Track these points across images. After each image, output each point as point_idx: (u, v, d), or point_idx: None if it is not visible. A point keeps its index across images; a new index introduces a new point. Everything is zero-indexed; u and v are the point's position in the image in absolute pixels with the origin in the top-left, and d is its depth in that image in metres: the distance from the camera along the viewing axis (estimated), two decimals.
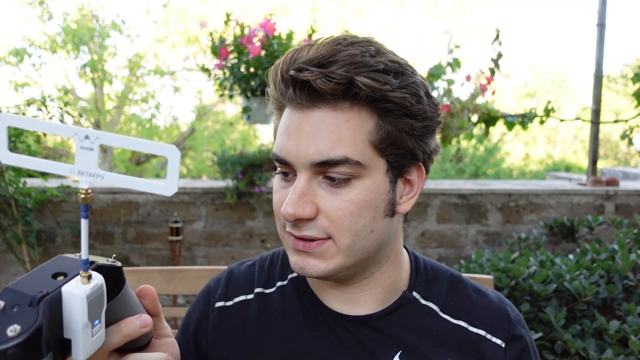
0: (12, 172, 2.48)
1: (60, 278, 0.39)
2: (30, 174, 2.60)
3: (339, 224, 0.58)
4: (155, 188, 0.37)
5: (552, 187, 2.91)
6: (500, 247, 2.75)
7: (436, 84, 2.94)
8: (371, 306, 0.68)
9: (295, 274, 0.74)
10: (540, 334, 1.41)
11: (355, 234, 0.59)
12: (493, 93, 3.00)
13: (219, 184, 2.79)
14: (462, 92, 2.97)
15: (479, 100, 2.97)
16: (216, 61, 2.60)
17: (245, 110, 2.64)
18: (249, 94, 2.59)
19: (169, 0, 10.26)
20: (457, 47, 2.99)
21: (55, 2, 12.70)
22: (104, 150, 9.14)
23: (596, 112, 3.20)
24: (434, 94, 3.35)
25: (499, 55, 3.05)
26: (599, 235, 2.48)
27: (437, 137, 0.67)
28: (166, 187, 0.36)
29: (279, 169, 0.63)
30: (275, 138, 0.66)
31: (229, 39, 2.55)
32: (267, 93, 0.66)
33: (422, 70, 3.06)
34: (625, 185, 3.09)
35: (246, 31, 2.52)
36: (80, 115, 8.34)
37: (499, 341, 0.67)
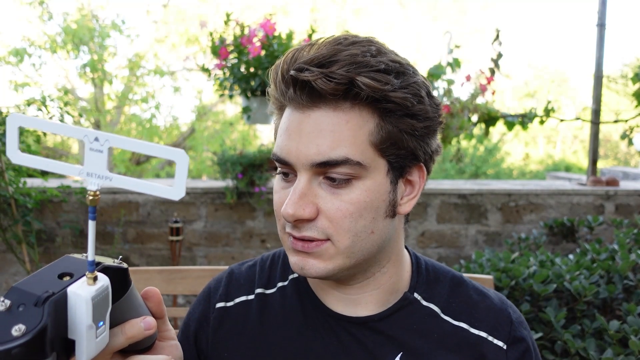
0: (12, 172, 2.48)
1: (67, 278, 0.39)
2: (31, 174, 2.60)
3: (339, 224, 0.58)
4: (163, 192, 0.37)
5: (552, 187, 2.91)
6: (500, 247, 2.75)
7: (436, 84, 2.94)
8: (372, 307, 0.68)
9: (296, 275, 0.74)
10: (540, 334, 1.41)
11: (355, 235, 0.59)
12: (493, 93, 3.00)
13: (219, 184, 2.79)
14: (462, 92, 2.97)
15: (479, 100, 2.97)
16: (216, 61, 2.60)
17: (245, 110, 2.64)
18: (249, 94, 2.59)
19: (169, 0, 10.26)
20: (457, 47, 2.99)
21: (55, 2, 12.70)
22: None
23: (596, 112, 3.20)
24: (434, 94, 3.34)
25: (499, 55, 3.05)
26: (599, 235, 2.48)
27: (438, 137, 0.67)
28: (174, 191, 0.36)
29: (279, 169, 0.63)
30: (275, 138, 0.65)
31: (229, 39, 2.55)
32: (267, 93, 0.65)
33: (422, 70, 3.05)
34: (625, 185, 3.09)
35: (246, 31, 2.52)
36: (80, 115, 8.34)
37: (500, 343, 0.67)
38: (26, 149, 2.50)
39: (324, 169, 0.57)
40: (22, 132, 2.45)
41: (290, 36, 2.56)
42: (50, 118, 2.60)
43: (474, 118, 3.00)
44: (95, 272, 0.39)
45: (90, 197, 0.37)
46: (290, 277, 0.74)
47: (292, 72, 0.57)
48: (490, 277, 1.06)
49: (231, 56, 2.55)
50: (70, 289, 0.38)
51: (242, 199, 2.71)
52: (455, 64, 2.96)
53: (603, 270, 1.65)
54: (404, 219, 0.69)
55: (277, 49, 2.47)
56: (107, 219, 2.72)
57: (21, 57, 7.47)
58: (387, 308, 0.68)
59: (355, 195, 0.58)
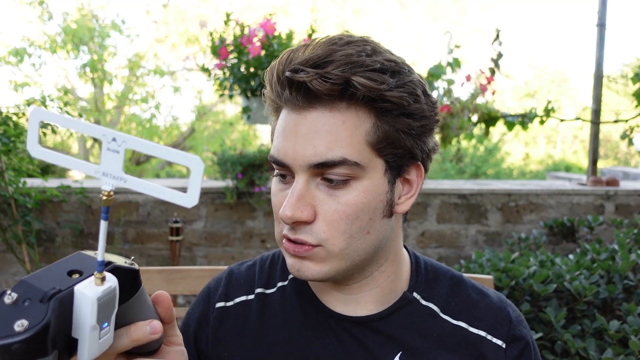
0: (12, 172, 2.48)
1: (76, 276, 0.39)
2: (30, 174, 2.60)
3: (334, 227, 0.58)
4: (176, 198, 0.36)
5: (552, 187, 2.91)
6: (500, 247, 2.75)
7: (436, 84, 2.94)
8: (371, 307, 0.68)
9: None
10: (540, 334, 1.41)
11: (350, 237, 0.59)
12: (493, 93, 3.00)
13: (219, 184, 2.79)
14: (462, 92, 2.97)
15: (479, 100, 2.97)
16: (216, 61, 2.60)
17: (245, 110, 2.64)
18: (249, 94, 2.59)
19: (169, 0, 10.26)
20: (457, 47, 3.00)
21: (55, 2, 12.70)
22: None
23: (596, 112, 3.20)
24: (434, 94, 3.35)
25: (499, 55, 3.05)
26: (599, 235, 2.48)
27: (437, 136, 0.67)
28: (187, 198, 0.36)
29: (276, 171, 0.62)
30: (272, 140, 0.65)
31: (229, 39, 2.55)
32: (263, 94, 0.65)
33: (422, 70, 3.06)
34: (626, 185, 3.09)
35: (246, 31, 2.52)
36: (80, 115, 8.33)
37: (499, 342, 0.67)
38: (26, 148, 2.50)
39: (321, 170, 0.57)
40: (21, 132, 2.45)
41: (290, 36, 2.56)
42: None
43: (474, 118, 3.00)
44: (104, 272, 0.39)
45: (104, 197, 0.37)
46: (290, 276, 0.74)
47: (287, 74, 0.56)
48: (490, 277, 1.06)
49: (231, 56, 2.55)
50: (77, 288, 0.37)
51: (242, 199, 2.70)
52: (455, 64, 2.96)
53: (603, 270, 1.65)
54: (402, 218, 0.69)
55: (277, 49, 2.47)
56: None
57: (21, 57, 7.47)
58: (387, 307, 0.68)
59: (352, 196, 0.58)
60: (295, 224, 0.58)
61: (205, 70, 2.69)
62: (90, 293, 0.37)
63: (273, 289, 0.74)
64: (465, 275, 0.77)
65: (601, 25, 3.19)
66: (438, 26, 13.20)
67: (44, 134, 2.55)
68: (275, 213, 0.63)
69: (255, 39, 2.50)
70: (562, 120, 3.28)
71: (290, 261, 0.61)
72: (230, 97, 2.68)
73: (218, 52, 2.54)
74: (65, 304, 0.37)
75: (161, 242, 2.74)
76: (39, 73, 8.69)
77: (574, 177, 4.18)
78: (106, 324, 0.39)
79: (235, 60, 2.54)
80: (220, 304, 0.74)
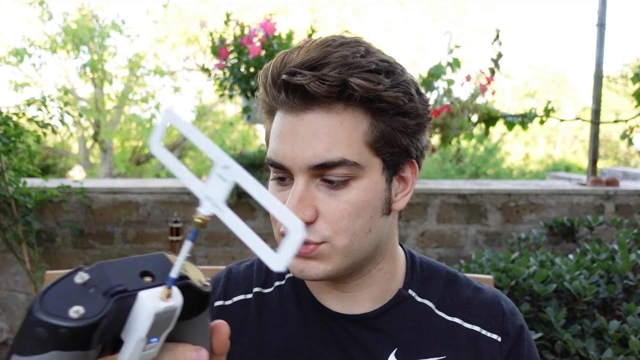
0: (12, 172, 2.48)
1: (147, 279, 0.38)
2: (31, 173, 2.61)
3: (337, 225, 0.58)
4: (266, 255, 0.34)
5: (552, 187, 2.91)
6: (500, 247, 2.75)
7: (436, 84, 2.94)
8: (368, 305, 0.68)
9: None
10: (540, 334, 1.41)
11: (353, 235, 0.59)
12: (493, 93, 3.00)
13: None
14: (462, 92, 2.98)
15: (479, 100, 2.97)
16: (216, 61, 2.60)
17: (245, 110, 2.64)
18: (249, 94, 2.59)
19: (169, 0, 10.26)
20: (457, 47, 3.00)
21: (55, 2, 12.70)
22: (104, 150, 9.14)
23: (596, 112, 3.21)
24: (434, 94, 3.34)
25: (499, 55, 3.06)
26: (599, 235, 2.48)
27: (437, 136, 0.68)
28: (277, 259, 0.33)
29: (274, 174, 0.63)
30: (267, 143, 0.66)
31: (229, 39, 2.55)
32: (256, 97, 0.66)
33: (422, 70, 3.06)
34: (625, 185, 3.09)
35: (246, 31, 2.52)
36: (81, 115, 8.34)
37: (494, 336, 0.68)
38: (26, 148, 2.50)
39: (321, 171, 0.58)
40: (21, 132, 2.45)
41: (290, 36, 2.56)
42: (51, 118, 2.60)
43: (474, 118, 3.00)
44: (173, 289, 0.37)
45: (199, 221, 0.35)
46: (287, 276, 0.74)
47: (284, 77, 0.57)
48: (490, 277, 1.07)
49: (231, 56, 2.56)
50: (141, 295, 0.36)
51: (242, 199, 2.71)
52: (455, 64, 2.96)
53: (603, 270, 1.65)
54: (397, 216, 0.70)
55: (277, 49, 2.47)
56: (107, 219, 2.72)
57: (21, 57, 7.47)
58: (382, 305, 0.68)
59: (352, 195, 0.58)
60: None
61: (205, 70, 2.69)
62: (151, 305, 0.35)
63: (270, 289, 0.74)
64: (465, 274, 0.77)
65: (601, 25, 3.19)
66: (438, 26, 13.20)
67: (44, 134, 2.55)
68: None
69: (255, 39, 2.50)
70: (562, 120, 3.28)
71: (292, 263, 0.61)
72: (230, 97, 2.68)
73: (218, 52, 2.54)
74: (125, 305, 0.35)
75: (161, 242, 2.74)
76: (39, 73, 8.69)
77: (573, 177, 4.18)
78: (155, 340, 0.37)
79: (235, 61, 2.55)
80: (218, 303, 0.74)
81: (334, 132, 0.57)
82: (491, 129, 3.11)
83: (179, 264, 0.37)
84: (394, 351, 0.66)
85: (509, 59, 20.30)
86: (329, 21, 10.99)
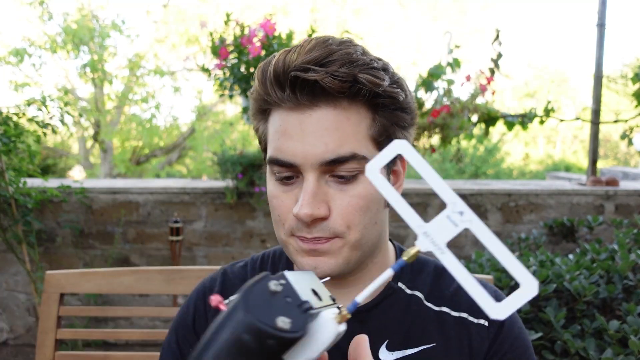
0: (13, 172, 2.48)
1: (316, 299, 0.36)
2: (31, 173, 2.61)
3: (350, 219, 0.60)
4: (486, 305, 0.32)
5: (552, 187, 2.91)
6: None
7: (436, 84, 2.94)
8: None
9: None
10: (540, 334, 1.41)
11: (364, 228, 0.61)
12: (493, 93, 3.00)
13: (219, 184, 2.79)
14: (462, 92, 2.98)
15: (479, 100, 2.97)
16: (216, 61, 2.60)
17: (245, 110, 2.64)
18: (249, 94, 2.59)
19: (169, 0, 10.26)
20: (457, 47, 3.00)
21: (56, 2, 12.70)
22: (104, 150, 9.14)
23: (596, 112, 3.21)
24: (434, 94, 3.33)
25: (499, 55, 3.06)
26: (598, 235, 2.49)
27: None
28: (497, 309, 0.32)
29: (277, 174, 0.62)
30: (262, 142, 0.66)
31: (229, 39, 2.56)
32: (249, 97, 0.66)
33: (422, 70, 3.06)
34: (625, 185, 3.09)
35: (246, 31, 2.53)
36: (81, 115, 8.34)
37: (481, 321, 0.69)
38: (26, 149, 2.50)
39: (332, 166, 0.59)
40: (21, 132, 2.44)
41: (290, 36, 2.56)
42: (51, 118, 2.60)
43: (474, 118, 3.00)
44: (349, 315, 0.35)
45: (411, 254, 0.35)
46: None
47: (295, 73, 0.57)
48: (490, 277, 1.07)
49: (231, 56, 2.56)
50: (324, 314, 0.34)
51: (242, 199, 2.71)
52: (455, 64, 2.96)
53: (603, 270, 1.65)
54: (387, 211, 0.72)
55: (277, 49, 2.47)
56: (107, 219, 2.72)
57: (21, 57, 7.47)
58: (374, 299, 0.70)
59: (361, 189, 0.60)
60: (313, 222, 0.59)
61: (205, 70, 2.70)
62: (333, 327, 0.34)
63: None
64: None
65: (601, 26, 3.20)
66: (438, 26, 13.20)
67: (44, 134, 2.55)
68: (280, 215, 0.63)
69: (255, 39, 2.50)
70: (562, 120, 3.29)
71: (305, 261, 0.61)
72: (231, 97, 2.68)
73: (218, 52, 2.55)
74: (311, 325, 0.34)
75: (161, 242, 2.74)
76: (39, 73, 8.69)
77: (573, 177, 4.18)
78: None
79: (236, 61, 2.55)
80: None
81: (343, 128, 0.59)
82: (491, 129, 3.11)
83: (370, 290, 0.35)
84: (385, 343, 0.67)
85: (509, 59, 20.31)
86: (329, 21, 10.99)
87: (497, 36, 3.07)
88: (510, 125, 3.08)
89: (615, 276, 1.61)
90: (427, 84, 2.93)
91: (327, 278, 0.39)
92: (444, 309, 0.70)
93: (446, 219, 0.34)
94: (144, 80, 9.11)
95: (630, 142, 3.15)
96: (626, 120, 3.17)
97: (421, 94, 2.99)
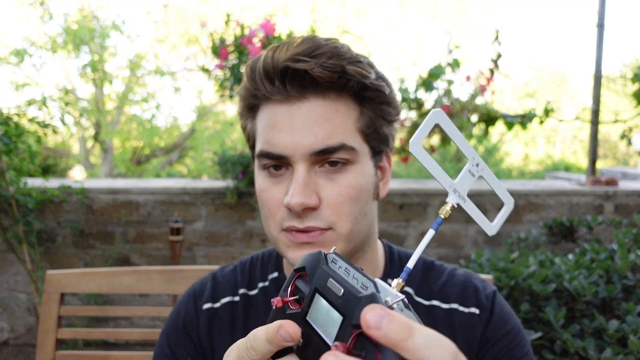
0: (13, 172, 2.48)
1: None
2: (31, 173, 2.61)
3: (341, 209, 0.60)
4: (483, 223, 0.40)
5: (551, 187, 2.92)
6: (499, 247, 2.75)
7: (436, 84, 2.94)
8: None
9: (275, 274, 0.75)
10: (539, 334, 1.42)
11: (354, 218, 0.62)
12: (492, 93, 3.00)
13: (220, 184, 2.80)
14: (461, 92, 2.98)
15: (479, 100, 2.98)
16: (216, 61, 2.61)
17: None
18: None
19: (169, 0, 10.26)
20: (456, 47, 3.00)
21: (56, 3, 12.71)
22: (105, 150, 9.15)
23: (595, 113, 3.21)
24: (434, 94, 3.34)
25: (499, 56, 3.06)
26: (598, 235, 2.49)
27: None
28: (491, 227, 0.40)
29: (265, 165, 0.63)
30: (249, 139, 0.67)
31: (229, 40, 2.56)
32: (238, 94, 0.67)
33: (422, 70, 3.06)
34: (625, 185, 3.09)
35: (246, 31, 2.53)
36: (81, 116, 8.35)
37: (472, 309, 0.70)
38: (27, 149, 2.51)
39: (322, 157, 0.60)
40: (22, 132, 2.45)
41: (290, 36, 2.56)
42: (51, 118, 2.61)
43: (474, 118, 3.00)
44: (403, 283, 0.36)
45: (447, 210, 0.38)
46: (270, 277, 0.76)
47: (287, 63, 0.58)
48: (489, 276, 1.07)
49: (231, 56, 2.56)
50: (385, 285, 0.34)
51: (243, 199, 2.71)
52: (455, 64, 2.96)
53: (602, 270, 1.66)
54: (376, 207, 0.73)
55: None
56: (107, 219, 2.73)
57: (22, 57, 7.48)
58: None
59: (351, 178, 0.61)
60: (304, 212, 0.59)
61: (205, 70, 2.70)
62: (396, 294, 0.33)
63: (255, 291, 0.75)
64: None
65: (600, 26, 3.20)
66: (438, 26, 13.20)
67: (45, 134, 2.56)
68: (270, 209, 0.63)
69: (255, 39, 2.50)
70: (561, 121, 3.29)
71: (295, 254, 0.62)
72: (231, 97, 2.69)
73: (218, 53, 2.55)
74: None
75: (161, 242, 2.74)
76: (40, 73, 8.70)
77: (573, 177, 4.19)
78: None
79: (236, 61, 2.55)
80: (207, 305, 0.74)
81: (332, 119, 0.60)
82: (491, 129, 3.12)
83: (418, 254, 0.37)
84: None
85: (508, 59, 20.31)
86: (329, 21, 10.99)
87: (497, 36, 3.07)
88: (509, 126, 3.08)
89: (615, 276, 1.61)
90: (427, 84, 2.93)
91: (334, 248, 0.39)
92: (434, 302, 0.71)
93: (467, 172, 0.39)
94: (144, 80, 9.12)
95: (629, 142, 3.16)
96: (625, 121, 3.17)
97: (421, 94, 3.00)
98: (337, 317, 0.33)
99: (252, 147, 0.68)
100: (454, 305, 0.70)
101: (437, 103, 2.90)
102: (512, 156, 14.98)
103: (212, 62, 2.70)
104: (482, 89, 2.92)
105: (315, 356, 0.34)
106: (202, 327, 0.73)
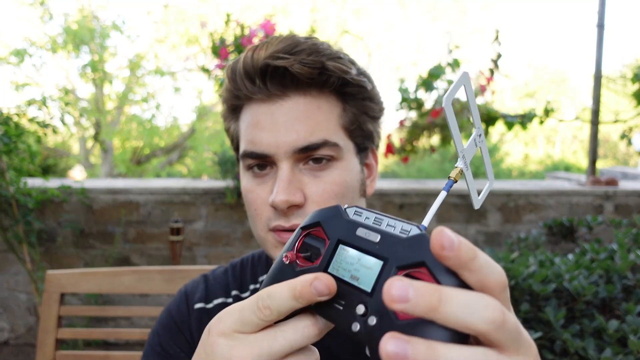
0: (13, 172, 2.48)
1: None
2: (32, 173, 2.61)
3: (325, 206, 0.60)
4: (474, 196, 0.40)
5: (551, 187, 2.92)
6: (499, 247, 2.75)
7: (436, 84, 2.94)
8: None
9: (265, 276, 0.75)
10: (539, 334, 1.42)
11: None
12: (493, 93, 3.00)
13: (220, 184, 2.80)
14: (461, 92, 2.98)
15: (479, 100, 2.98)
16: (216, 61, 2.61)
17: None
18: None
19: (169, 0, 10.26)
20: (456, 47, 3.00)
21: (56, 3, 12.71)
22: (105, 150, 9.15)
23: (595, 113, 3.21)
24: (434, 94, 3.34)
25: (498, 56, 3.06)
26: (598, 235, 2.49)
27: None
28: (477, 201, 0.40)
29: (249, 165, 0.63)
30: (233, 140, 0.67)
31: (229, 40, 2.56)
32: (220, 97, 0.67)
33: (422, 70, 3.06)
34: (624, 185, 3.09)
35: (246, 31, 2.53)
36: (81, 115, 8.35)
37: None
38: (27, 149, 2.51)
39: (305, 154, 0.59)
40: (22, 132, 2.45)
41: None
42: (51, 118, 2.61)
43: None
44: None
45: (457, 173, 0.38)
46: (260, 279, 0.76)
47: (266, 60, 0.58)
48: None
49: (231, 56, 2.56)
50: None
51: (243, 199, 2.71)
52: (455, 64, 2.96)
53: (602, 270, 1.66)
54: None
55: None
56: (107, 219, 2.73)
57: (22, 57, 7.48)
58: None
59: (335, 175, 0.61)
60: (289, 210, 0.59)
61: (205, 70, 2.70)
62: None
63: (247, 293, 0.75)
64: None
65: (600, 26, 3.20)
66: (438, 26, 13.20)
67: (45, 134, 2.56)
68: (256, 210, 0.63)
69: (255, 40, 2.50)
70: (561, 121, 3.29)
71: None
72: None
73: (218, 53, 2.55)
74: None
75: (162, 242, 2.74)
76: (40, 73, 8.70)
77: (573, 178, 4.19)
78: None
79: None
80: (199, 305, 0.74)
81: (314, 116, 0.60)
82: (491, 129, 3.12)
83: (432, 213, 0.36)
84: None
85: (509, 59, 20.32)
86: (329, 21, 10.99)
87: (497, 36, 3.08)
88: (509, 126, 3.08)
89: (615, 276, 1.61)
90: (427, 84, 2.93)
91: (347, 206, 0.39)
92: None
93: (473, 141, 0.40)
94: (144, 80, 9.12)
95: (629, 142, 3.16)
96: (625, 121, 3.17)
97: (421, 94, 3.00)
98: (373, 263, 0.33)
99: (237, 148, 0.68)
100: None
101: (437, 103, 2.90)
102: (512, 156, 14.98)
103: (212, 62, 2.70)
104: (482, 89, 2.92)
105: (338, 310, 0.33)
106: (194, 326, 0.72)
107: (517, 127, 3.11)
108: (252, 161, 0.62)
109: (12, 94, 7.67)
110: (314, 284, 0.32)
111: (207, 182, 3.00)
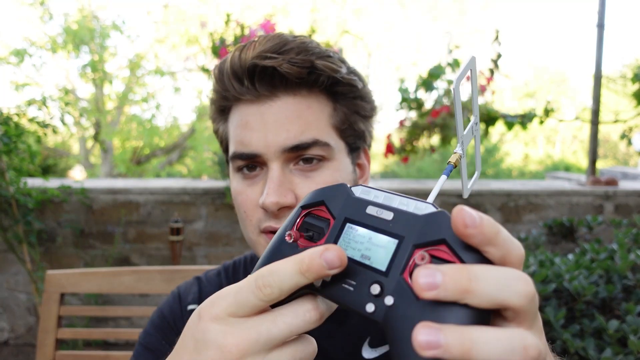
0: (13, 172, 2.48)
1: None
2: (32, 173, 2.61)
3: None
4: (465, 185, 0.40)
5: (551, 187, 2.92)
6: None
7: (436, 84, 2.94)
8: None
9: None
10: None
11: None
12: (493, 93, 3.00)
13: (220, 184, 2.79)
14: (461, 92, 2.98)
15: (479, 100, 2.98)
16: (216, 61, 2.61)
17: None
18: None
19: (169, 0, 10.26)
20: (456, 47, 3.00)
21: (56, 3, 12.71)
22: (105, 150, 9.15)
23: (595, 113, 3.21)
24: (434, 94, 3.34)
25: (498, 56, 3.06)
26: (598, 235, 2.49)
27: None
28: (467, 190, 0.40)
29: (239, 167, 0.62)
30: (222, 142, 0.66)
31: (229, 40, 2.56)
32: (209, 98, 0.67)
33: (422, 70, 3.06)
34: (624, 185, 3.09)
35: (246, 31, 2.53)
36: (81, 115, 8.35)
37: None
38: (27, 149, 2.51)
39: (295, 153, 0.59)
40: (22, 132, 2.45)
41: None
42: (51, 118, 2.61)
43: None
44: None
45: (457, 158, 0.38)
46: None
47: (254, 61, 0.57)
48: None
49: None
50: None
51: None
52: (455, 64, 2.97)
53: (602, 270, 1.66)
54: None
55: None
56: (107, 219, 2.73)
57: (22, 57, 7.48)
58: None
59: (326, 176, 0.60)
60: (280, 211, 0.58)
61: (205, 70, 2.70)
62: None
63: None
64: None
65: (600, 26, 3.20)
66: (438, 26, 13.20)
67: (45, 134, 2.56)
68: (246, 212, 0.62)
69: None
70: (561, 121, 3.29)
71: None
72: None
73: (218, 53, 2.55)
74: None
75: (162, 242, 2.74)
76: (40, 73, 8.70)
77: (573, 177, 4.19)
78: None
79: None
80: (192, 306, 0.73)
81: (304, 116, 0.59)
82: (491, 129, 3.12)
83: (434, 195, 0.36)
84: (367, 340, 0.66)
85: (509, 59, 20.31)
86: (329, 21, 10.99)
87: (497, 36, 3.08)
88: (509, 126, 3.08)
89: (615, 276, 1.61)
90: (427, 84, 2.93)
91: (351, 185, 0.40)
92: None
93: (470, 128, 0.40)
94: (144, 80, 9.12)
95: (629, 142, 3.16)
96: (625, 121, 3.17)
97: (421, 94, 3.00)
98: (387, 242, 0.32)
99: (226, 150, 0.67)
100: None
101: (437, 103, 2.90)
102: (512, 156, 14.98)
103: (212, 62, 2.70)
104: (482, 89, 2.92)
105: (349, 291, 0.32)
106: None
107: (517, 127, 3.11)
108: (242, 162, 0.62)
109: (12, 94, 7.67)
110: (324, 255, 0.30)
111: (207, 182, 3.00)
